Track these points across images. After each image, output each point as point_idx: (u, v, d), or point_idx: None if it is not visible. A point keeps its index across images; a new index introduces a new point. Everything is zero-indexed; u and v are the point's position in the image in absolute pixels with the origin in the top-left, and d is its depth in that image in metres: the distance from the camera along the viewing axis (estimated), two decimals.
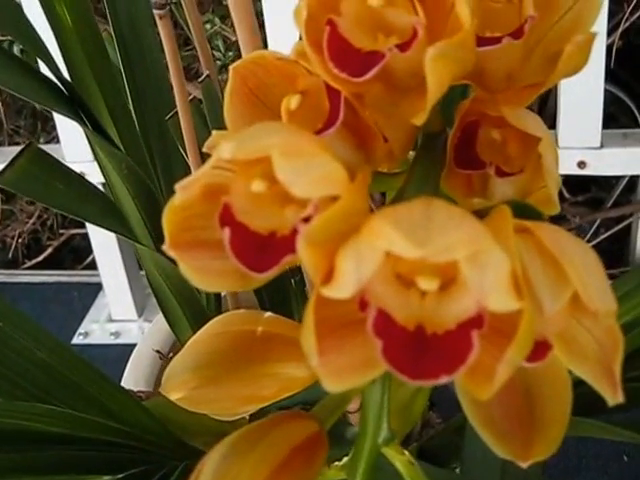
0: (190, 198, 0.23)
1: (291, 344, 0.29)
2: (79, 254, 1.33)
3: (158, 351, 0.62)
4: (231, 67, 0.28)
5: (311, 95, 0.29)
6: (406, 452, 0.28)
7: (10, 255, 1.32)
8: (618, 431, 0.40)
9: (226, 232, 0.22)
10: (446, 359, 0.19)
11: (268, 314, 0.30)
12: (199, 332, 0.30)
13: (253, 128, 0.22)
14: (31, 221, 1.29)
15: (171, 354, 0.61)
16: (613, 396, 0.22)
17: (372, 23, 0.27)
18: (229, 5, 0.34)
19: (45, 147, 1.09)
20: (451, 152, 0.30)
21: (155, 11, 0.39)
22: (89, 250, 1.14)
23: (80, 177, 0.51)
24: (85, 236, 1.20)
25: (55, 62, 0.49)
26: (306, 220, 0.21)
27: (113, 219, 0.51)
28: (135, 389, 0.56)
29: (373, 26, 0.27)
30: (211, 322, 0.30)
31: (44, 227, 1.34)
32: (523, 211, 0.27)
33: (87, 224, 1.08)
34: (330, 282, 0.19)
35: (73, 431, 0.39)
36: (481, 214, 0.26)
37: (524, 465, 0.24)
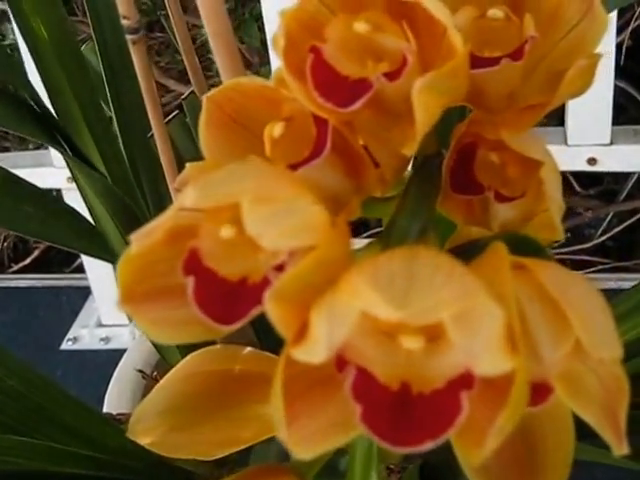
0: (151, 243, 0.22)
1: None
2: (67, 256, 1.32)
3: (140, 370, 0.62)
4: (205, 97, 0.27)
5: (296, 121, 0.28)
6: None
7: None
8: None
9: (190, 281, 0.21)
10: (432, 423, 0.19)
11: (248, 350, 0.29)
12: (172, 371, 0.29)
13: (224, 170, 0.21)
14: None
15: (155, 373, 0.60)
16: (618, 446, 0.21)
17: (359, 49, 0.26)
18: (208, 35, 0.34)
19: (34, 153, 1.09)
20: (447, 176, 0.30)
21: (128, 36, 0.38)
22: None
23: (54, 198, 0.49)
24: None
25: (28, 81, 0.48)
26: (279, 268, 0.20)
27: (90, 241, 0.50)
28: (115, 412, 0.56)
29: (361, 52, 0.26)
30: (185, 360, 0.29)
31: None
32: (522, 244, 0.26)
33: None
34: (301, 343, 0.19)
35: (50, 466, 0.38)
36: (480, 245, 0.25)
37: None
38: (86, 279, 1.10)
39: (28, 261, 1.30)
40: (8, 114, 0.45)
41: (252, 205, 0.19)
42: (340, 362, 0.19)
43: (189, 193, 0.20)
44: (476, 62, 0.27)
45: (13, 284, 1.28)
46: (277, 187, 0.21)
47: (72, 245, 0.51)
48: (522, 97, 0.29)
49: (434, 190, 0.30)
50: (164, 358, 0.56)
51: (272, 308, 0.19)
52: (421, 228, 0.28)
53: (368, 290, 0.17)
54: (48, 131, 0.46)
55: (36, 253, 1.31)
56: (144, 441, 0.28)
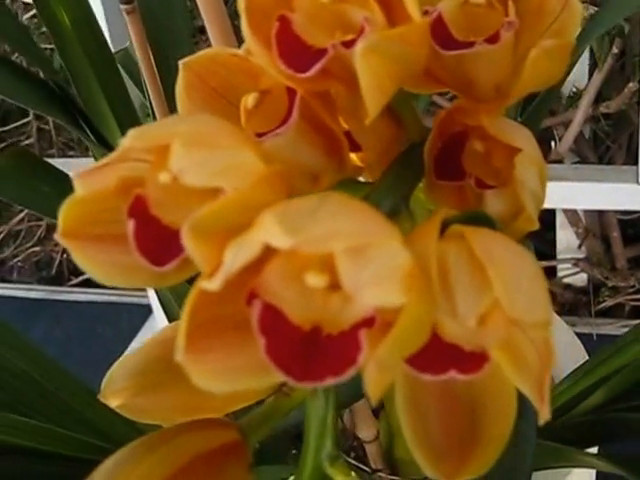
0: (100, 191, 0.24)
1: None
2: None
3: None
4: (181, 62, 0.29)
5: (272, 94, 0.30)
6: (352, 473, 0.28)
7: (54, 271, 1.35)
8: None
9: (131, 223, 0.23)
10: (335, 361, 0.20)
11: None
12: (148, 338, 0.31)
13: (169, 118, 0.23)
14: None
15: None
16: (543, 413, 0.22)
17: (327, 20, 0.27)
18: (200, 9, 0.36)
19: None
20: (429, 162, 0.31)
21: (122, 6, 0.41)
22: None
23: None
24: None
25: (55, 71, 0.51)
26: None
27: None
28: None
29: (329, 24, 0.27)
30: (162, 328, 0.31)
31: None
32: (477, 219, 0.27)
33: None
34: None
35: (54, 448, 0.40)
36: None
37: None
38: (148, 297, 1.13)
39: (88, 275, 1.33)
40: (32, 95, 0.48)
41: (183, 147, 0.21)
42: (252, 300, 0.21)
43: (127, 135, 0.22)
44: (452, 44, 0.28)
45: (72, 297, 1.32)
46: (216, 135, 0.22)
47: None
48: (511, 89, 0.30)
49: (413, 173, 0.31)
50: None
51: (189, 241, 0.20)
52: (393, 205, 0.29)
53: (270, 221, 0.19)
54: (72, 115, 0.49)
55: None
56: (113, 404, 0.30)
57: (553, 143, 1.00)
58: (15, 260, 1.38)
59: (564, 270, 1.10)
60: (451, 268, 0.22)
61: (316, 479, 0.28)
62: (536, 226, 0.30)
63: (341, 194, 0.21)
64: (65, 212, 0.23)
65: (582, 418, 0.46)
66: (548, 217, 1.09)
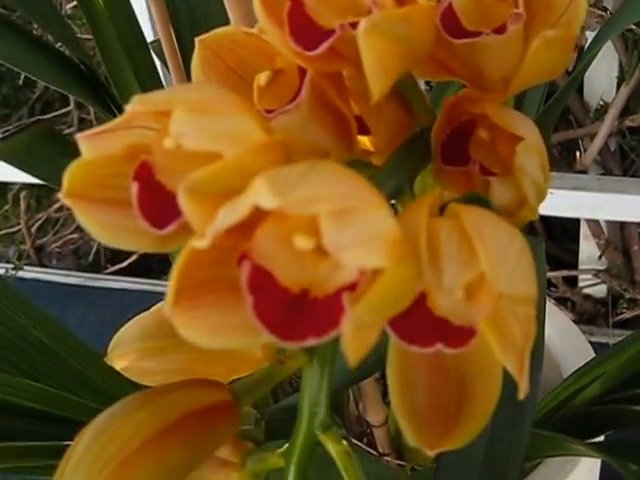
0: (110, 157, 0.24)
1: None
2: (167, 264, 1.37)
3: None
4: (197, 39, 0.29)
5: (286, 75, 0.30)
6: (344, 442, 0.28)
7: (91, 258, 1.37)
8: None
9: (135, 186, 0.23)
10: (319, 322, 0.20)
11: None
12: (156, 305, 0.31)
13: (175, 85, 0.23)
14: None
15: None
16: (522, 387, 0.22)
17: (339, 3, 0.28)
18: None
19: None
20: (436, 147, 0.31)
21: None
22: None
23: None
24: None
25: (85, 52, 0.51)
26: None
27: None
28: None
29: (341, 6, 0.28)
30: None
31: None
32: (474, 202, 0.28)
33: None
34: None
35: (63, 412, 0.41)
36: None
37: (431, 453, 0.24)
38: None
39: (125, 264, 1.35)
40: (63, 78, 0.49)
41: (184, 112, 0.22)
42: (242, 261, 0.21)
43: (132, 100, 0.22)
44: (461, 33, 0.29)
45: (107, 285, 1.33)
46: (219, 103, 0.23)
47: None
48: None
49: (419, 157, 0.31)
50: None
51: (184, 201, 0.21)
52: (396, 186, 0.29)
53: (260, 183, 0.19)
54: (103, 100, 0.50)
55: (134, 257, 1.36)
56: (119, 366, 0.30)
57: (578, 154, 1.00)
58: (54, 246, 1.40)
59: (585, 281, 1.09)
60: (441, 242, 0.22)
61: (308, 446, 0.28)
62: (536, 215, 0.30)
63: (334, 163, 0.21)
64: (71, 173, 0.24)
65: (580, 409, 0.46)
66: (572, 228, 1.09)
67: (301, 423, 0.28)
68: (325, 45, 0.25)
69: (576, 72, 0.44)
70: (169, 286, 0.20)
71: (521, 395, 0.22)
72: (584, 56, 0.45)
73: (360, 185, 0.20)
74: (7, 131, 1.23)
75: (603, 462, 0.52)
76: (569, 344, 0.62)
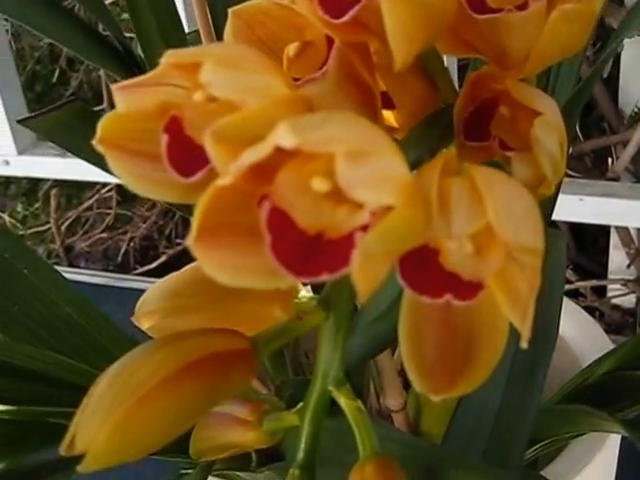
0: (141, 112, 0.26)
1: None
2: None
3: None
4: (230, 10, 0.31)
5: (315, 47, 0.32)
6: (358, 400, 0.30)
7: (120, 259, 1.39)
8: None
9: (165, 137, 0.25)
10: (332, 260, 0.22)
11: None
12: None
13: (207, 45, 0.25)
14: (144, 226, 1.36)
15: None
16: (522, 332, 0.24)
17: None
18: None
19: None
20: (458, 123, 0.32)
21: None
22: None
23: None
24: None
25: (122, 32, 0.54)
26: None
27: None
28: None
29: None
30: None
31: (161, 235, 1.41)
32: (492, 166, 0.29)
33: None
34: None
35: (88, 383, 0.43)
36: None
37: (436, 399, 0.26)
38: None
39: (154, 265, 1.37)
40: (98, 53, 0.51)
41: (214, 64, 0.23)
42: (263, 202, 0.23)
43: (165, 54, 0.24)
44: (484, 9, 0.30)
45: (135, 285, 1.35)
46: (246, 59, 0.24)
47: None
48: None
49: (441, 131, 0.32)
50: None
51: (210, 145, 0.22)
52: (417, 157, 0.31)
53: (282, 126, 0.21)
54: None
55: (163, 258, 1.37)
56: (145, 325, 0.32)
57: (610, 161, 1.01)
58: (83, 246, 1.42)
59: (614, 291, 1.10)
60: (452, 194, 0.24)
61: (322, 403, 0.29)
62: (552, 190, 0.31)
63: (354, 113, 0.23)
64: (105, 123, 0.26)
65: (591, 382, 0.47)
66: (602, 239, 1.09)
67: (316, 379, 0.29)
68: (351, 13, 0.27)
69: (599, 62, 0.46)
70: (193, 222, 0.22)
71: (524, 344, 0.24)
72: (607, 46, 0.46)
73: (377, 133, 0.22)
74: None
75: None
76: (590, 341, 0.63)
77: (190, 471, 0.44)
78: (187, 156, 0.25)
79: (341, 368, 0.29)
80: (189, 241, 0.22)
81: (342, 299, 0.29)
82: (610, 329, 1.08)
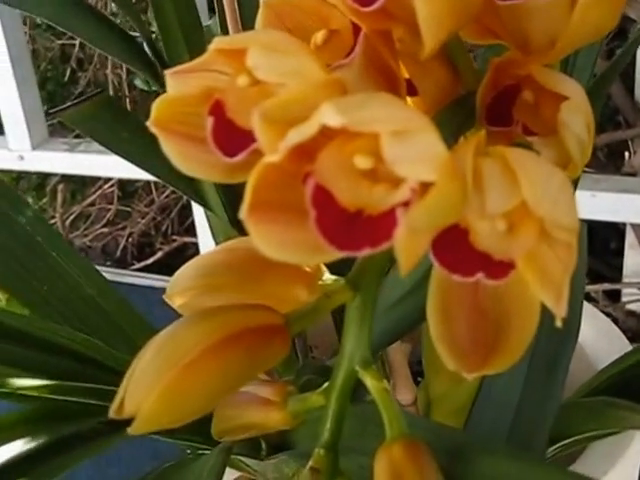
0: (188, 96, 0.28)
1: (293, 267, 0.34)
2: None
3: None
4: (262, 1, 0.33)
5: (341, 35, 0.33)
6: (384, 380, 0.31)
7: (118, 254, 1.41)
8: None
9: (210, 120, 0.27)
10: (373, 234, 0.24)
11: None
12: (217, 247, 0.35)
13: (249, 31, 0.27)
14: (142, 221, 1.38)
15: None
16: (557, 311, 0.25)
17: None
18: None
19: None
20: (481, 109, 0.34)
21: None
22: None
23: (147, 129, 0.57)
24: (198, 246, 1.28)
25: (148, 29, 0.56)
26: None
27: (182, 179, 0.57)
28: None
29: None
30: (232, 240, 0.35)
31: (158, 231, 1.43)
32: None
33: (199, 234, 1.16)
34: None
35: (104, 360, 0.45)
36: None
37: (468, 377, 0.27)
38: None
39: (150, 261, 1.39)
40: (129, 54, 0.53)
41: (259, 49, 0.25)
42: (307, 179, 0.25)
43: (214, 41, 0.26)
44: None
45: (134, 281, 1.37)
46: (287, 45, 0.26)
47: (162, 175, 0.58)
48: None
49: (464, 117, 0.34)
50: None
51: (258, 125, 0.24)
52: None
53: (326, 106, 0.23)
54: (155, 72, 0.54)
55: (159, 254, 1.39)
56: (177, 302, 0.34)
57: (627, 155, 1.00)
58: (84, 241, 1.44)
59: (629, 295, 1.08)
60: (485, 173, 0.26)
61: (349, 383, 0.31)
62: (578, 172, 0.32)
63: (393, 95, 0.24)
64: (157, 106, 0.28)
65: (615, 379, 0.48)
66: (616, 243, 1.08)
67: (342, 359, 0.30)
68: (380, 1, 0.29)
69: (619, 54, 0.47)
70: (245, 198, 0.24)
71: (558, 322, 0.25)
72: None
73: (416, 114, 0.23)
74: (51, 125, 1.29)
75: None
76: (607, 344, 0.64)
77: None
78: (230, 138, 0.27)
79: (368, 348, 0.30)
80: (242, 214, 0.23)
81: (369, 280, 0.30)
82: (625, 336, 1.07)
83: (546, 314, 0.29)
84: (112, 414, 0.28)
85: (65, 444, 0.38)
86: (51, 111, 0.56)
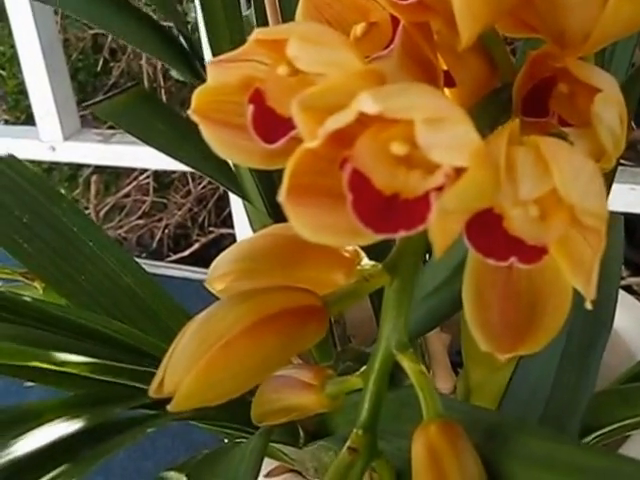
0: (228, 85, 0.30)
1: (332, 252, 0.35)
2: None
3: None
4: None
5: (380, 27, 0.35)
6: (421, 364, 0.33)
7: (154, 246, 1.43)
8: None
9: (250, 107, 0.29)
10: (408, 218, 0.25)
11: None
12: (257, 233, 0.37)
13: (290, 23, 0.29)
14: (179, 213, 1.40)
15: None
16: (587, 294, 0.27)
17: None
18: None
19: None
20: (517, 100, 0.35)
21: None
22: None
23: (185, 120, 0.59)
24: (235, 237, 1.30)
25: (184, 20, 0.58)
26: None
27: (218, 170, 0.59)
28: None
29: None
30: (271, 226, 0.36)
31: (194, 223, 1.46)
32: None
33: (236, 225, 1.18)
34: None
35: (139, 345, 0.47)
36: None
37: (501, 358, 0.29)
38: None
39: (187, 253, 1.41)
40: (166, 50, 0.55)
41: (299, 39, 0.27)
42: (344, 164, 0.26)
43: (254, 32, 0.28)
44: None
45: (169, 272, 1.39)
46: (326, 36, 0.28)
47: (198, 166, 0.59)
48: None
49: (500, 108, 0.35)
50: None
51: (298, 115, 0.26)
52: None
53: (364, 94, 0.24)
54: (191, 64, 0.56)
55: (196, 246, 1.41)
56: (217, 287, 0.36)
57: None
58: (119, 232, 1.46)
59: None
60: (518, 161, 0.27)
61: (386, 365, 0.32)
62: (611, 163, 0.34)
63: (430, 85, 0.26)
64: (198, 94, 0.30)
65: None
66: None
67: (380, 342, 0.32)
68: None
69: None
70: (283, 182, 0.25)
71: (588, 305, 0.27)
72: None
73: (450, 103, 0.25)
74: (83, 116, 1.31)
75: None
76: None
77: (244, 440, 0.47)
78: (269, 125, 0.29)
79: (405, 332, 0.32)
80: (280, 197, 0.25)
81: (406, 264, 0.32)
82: None
83: (580, 300, 0.30)
84: (152, 393, 0.29)
85: (105, 429, 0.40)
86: (84, 104, 0.58)
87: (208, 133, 0.30)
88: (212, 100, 0.30)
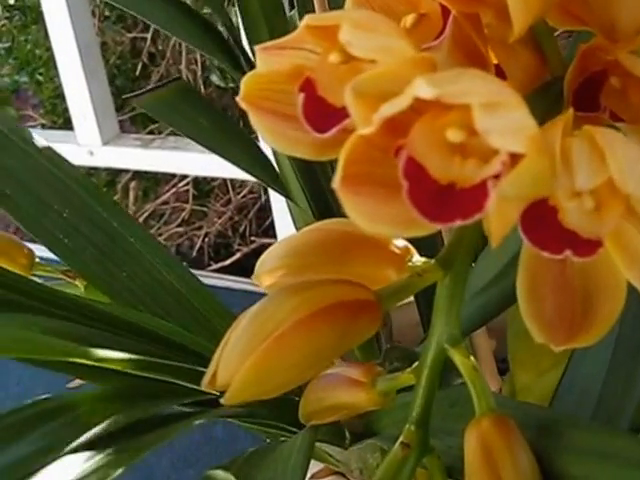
0: (278, 73, 0.30)
1: (382, 248, 0.35)
2: None
3: None
4: None
5: (430, 19, 0.35)
6: (472, 357, 0.32)
7: (194, 254, 1.44)
8: None
9: (301, 96, 0.29)
10: (465, 206, 0.25)
11: None
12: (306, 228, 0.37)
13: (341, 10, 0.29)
14: (219, 221, 1.40)
15: None
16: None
17: None
18: None
19: None
20: (568, 94, 0.35)
21: None
22: None
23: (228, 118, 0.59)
24: None
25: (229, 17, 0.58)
26: None
27: (262, 168, 0.59)
28: None
29: None
30: (319, 222, 0.36)
31: (235, 232, 1.46)
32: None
33: (278, 235, 1.18)
34: None
35: (181, 340, 0.47)
36: None
37: (556, 349, 0.28)
38: None
39: (228, 262, 1.41)
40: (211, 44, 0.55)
41: (352, 25, 0.27)
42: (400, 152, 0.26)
43: (304, 19, 0.28)
44: None
45: (209, 282, 1.39)
46: (378, 23, 0.28)
47: (241, 163, 0.59)
48: None
49: (550, 102, 0.35)
50: None
51: (351, 101, 0.26)
52: None
53: (420, 80, 0.24)
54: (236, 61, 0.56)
55: (237, 255, 1.41)
56: (265, 283, 0.36)
57: None
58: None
59: None
60: (574, 151, 0.27)
61: (439, 360, 0.32)
62: None
63: (482, 71, 0.26)
64: (246, 81, 0.30)
65: None
66: None
67: (432, 337, 0.32)
68: None
69: None
70: (337, 170, 0.25)
71: None
72: None
73: (507, 88, 0.25)
74: (122, 121, 1.32)
75: None
76: None
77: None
78: (321, 114, 0.29)
79: (457, 326, 0.32)
80: (334, 184, 0.25)
81: (459, 259, 0.32)
82: None
83: (632, 299, 0.30)
84: (204, 386, 0.29)
85: (146, 425, 0.40)
86: (125, 96, 0.57)
87: (256, 121, 0.30)
88: (261, 88, 0.30)
